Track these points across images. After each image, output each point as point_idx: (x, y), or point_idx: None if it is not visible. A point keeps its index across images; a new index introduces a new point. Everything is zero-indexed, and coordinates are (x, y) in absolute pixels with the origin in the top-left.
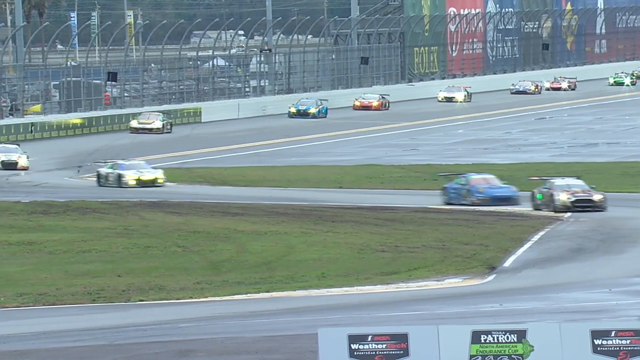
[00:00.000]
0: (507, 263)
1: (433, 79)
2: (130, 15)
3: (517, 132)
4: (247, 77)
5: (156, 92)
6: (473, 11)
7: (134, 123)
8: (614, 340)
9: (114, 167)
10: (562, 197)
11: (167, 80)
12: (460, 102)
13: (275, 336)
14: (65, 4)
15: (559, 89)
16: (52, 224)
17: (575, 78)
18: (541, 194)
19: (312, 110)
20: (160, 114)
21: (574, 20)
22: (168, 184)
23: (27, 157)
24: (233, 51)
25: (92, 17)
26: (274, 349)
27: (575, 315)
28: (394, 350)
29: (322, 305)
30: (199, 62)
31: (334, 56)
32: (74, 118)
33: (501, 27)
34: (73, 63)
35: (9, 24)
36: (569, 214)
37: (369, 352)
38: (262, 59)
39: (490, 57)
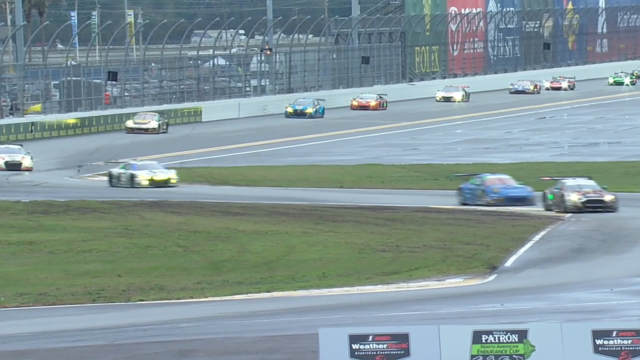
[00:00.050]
0: (508, 263)
1: (434, 78)
2: (130, 15)
3: (517, 131)
4: (248, 76)
5: (156, 92)
6: (474, 10)
7: (129, 123)
8: (615, 340)
9: (126, 167)
10: (573, 198)
11: (167, 80)
12: (458, 101)
13: (276, 336)
14: (65, 3)
15: (559, 88)
16: (52, 223)
17: (574, 78)
18: (552, 194)
19: (309, 110)
20: (156, 114)
21: (575, 20)
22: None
23: (31, 158)
24: (233, 50)
25: (93, 17)
26: (275, 349)
27: (577, 315)
28: (395, 350)
29: (322, 305)
30: (199, 62)
31: (334, 56)
32: (74, 118)
33: (502, 27)
34: (73, 62)
35: (9, 23)
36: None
37: (369, 352)
38: (263, 58)
39: (492, 57)
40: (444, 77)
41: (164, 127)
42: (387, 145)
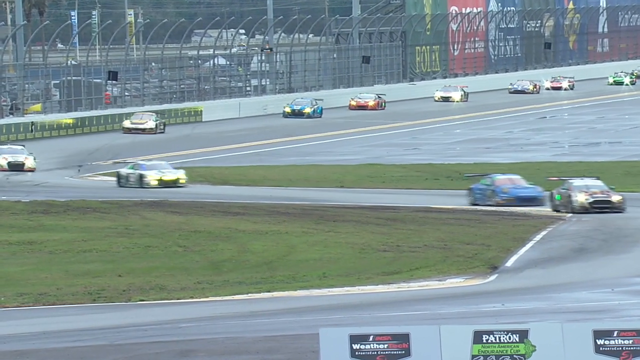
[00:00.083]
0: (509, 263)
1: (435, 78)
2: (130, 14)
3: (518, 131)
4: (248, 76)
5: (157, 92)
6: (475, 10)
7: (126, 123)
8: (616, 340)
9: (135, 167)
10: (580, 198)
11: (167, 80)
12: (457, 101)
13: (277, 336)
14: (65, 2)
15: (559, 88)
16: (52, 223)
17: (573, 77)
18: (560, 194)
19: (307, 110)
20: (153, 114)
21: (577, 19)
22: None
23: (34, 159)
24: (234, 50)
25: (93, 16)
26: (275, 349)
27: (578, 315)
28: (396, 351)
29: (323, 305)
30: (199, 61)
31: (335, 55)
32: (74, 117)
33: (503, 26)
34: (73, 62)
35: (9, 22)
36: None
37: (370, 352)
38: (263, 58)
39: (492, 56)
40: (445, 77)
41: (161, 127)
42: (387, 145)
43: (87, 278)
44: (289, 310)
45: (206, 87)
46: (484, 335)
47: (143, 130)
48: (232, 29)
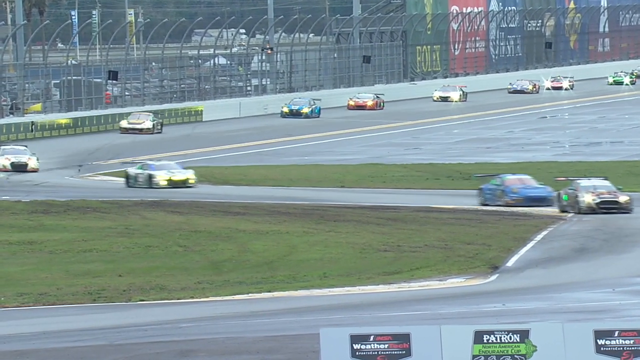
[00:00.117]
0: (510, 263)
1: (435, 77)
2: (131, 14)
3: (519, 131)
4: (249, 75)
5: (157, 91)
6: (476, 9)
7: (123, 123)
8: (617, 340)
9: (144, 167)
10: (587, 199)
11: (168, 79)
12: (456, 101)
13: (277, 336)
14: (65, 2)
15: (560, 88)
16: (52, 223)
17: (573, 77)
18: (567, 195)
19: (305, 110)
20: (151, 114)
21: (577, 19)
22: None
23: (37, 159)
24: (234, 50)
25: (93, 16)
26: (276, 349)
27: (579, 315)
28: (396, 351)
29: (324, 305)
30: (200, 61)
31: (335, 55)
32: (74, 117)
33: (504, 26)
34: (74, 62)
35: (9, 22)
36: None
37: (371, 352)
38: (264, 57)
39: (493, 56)
40: (446, 77)
41: (159, 127)
42: (388, 144)
43: (87, 278)
44: (290, 310)
45: (206, 86)
46: (484, 335)
47: (140, 131)
48: (233, 29)
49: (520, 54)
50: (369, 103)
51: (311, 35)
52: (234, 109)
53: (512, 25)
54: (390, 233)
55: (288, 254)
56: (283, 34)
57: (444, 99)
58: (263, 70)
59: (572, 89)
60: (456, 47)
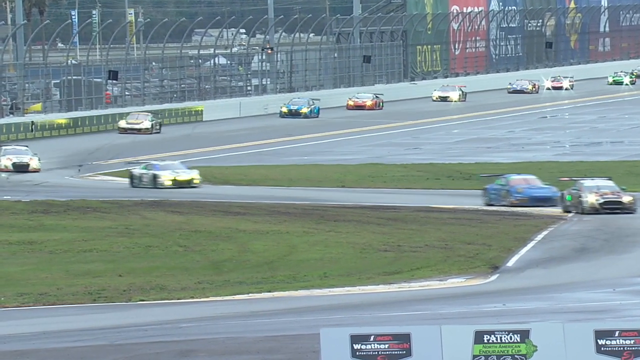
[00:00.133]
0: (510, 263)
1: (436, 77)
2: (131, 14)
3: (520, 131)
4: (249, 75)
5: (157, 91)
6: (476, 9)
7: (122, 123)
8: (617, 341)
9: (148, 167)
10: (591, 199)
11: (168, 79)
12: (455, 101)
13: (277, 336)
14: (65, 2)
15: (560, 88)
16: (52, 223)
17: (572, 77)
18: (570, 195)
19: (304, 110)
20: (149, 114)
21: (578, 19)
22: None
23: (39, 159)
24: (235, 50)
25: (93, 16)
26: (276, 349)
27: (579, 315)
28: (397, 351)
29: (324, 305)
30: (200, 61)
31: (336, 55)
32: (74, 117)
33: (504, 26)
34: (74, 61)
35: (9, 22)
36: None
37: (371, 352)
38: (264, 57)
39: (494, 56)
40: (446, 77)
41: (157, 127)
42: (388, 144)
43: (87, 278)
44: (290, 310)
45: (207, 86)
46: (485, 336)
47: (139, 131)
48: (233, 29)
49: (520, 54)
50: (368, 103)
51: (311, 35)
52: (234, 109)
53: (512, 25)
54: (391, 233)
55: (288, 254)
56: (283, 33)
57: (443, 99)
58: (263, 70)
59: (572, 88)
60: (456, 46)
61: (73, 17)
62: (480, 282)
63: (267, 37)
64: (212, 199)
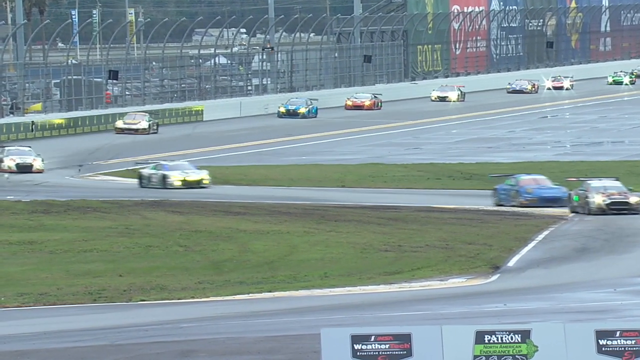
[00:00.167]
0: (511, 263)
1: (436, 77)
2: (131, 13)
3: (520, 130)
4: (249, 75)
5: (157, 91)
6: (477, 9)
7: (119, 123)
8: (618, 341)
9: (157, 167)
10: (597, 200)
11: (168, 79)
12: (454, 101)
13: (278, 336)
14: (66, 1)
15: (560, 88)
16: (53, 223)
17: (572, 77)
18: (577, 195)
19: (302, 110)
20: (147, 114)
21: (579, 18)
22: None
23: (42, 160)
24: (235, 49)
25: (93, 15)
26: (276, 349)
27: (580, 315)
28: (397, 351)
29: (324, 305)
30: (200, 61)
31: (336, 54)
32: (74, 117)
33: (505, 25)
34: (74, 61)
35: (9, 21)
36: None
37: (372, 353)
38: (264, 57)
39: (494, 55)
40: (447, 76)
41: (154, 127)
42: (388, 144)
43: (87, 278)
44: (291, 310)
45: (207, 86)
46: (486, 336)
47: (136, 131)
48: (233, 28)
49: (521, 54)
50: (367, 103)
51: (312, 34)
52: (235, 109)
53: (513, 25)
54: (391, 233)
55: (289, 254)
56: (284, 33)
57: (442, 99)
58: (264, 69)
59: (572, 88)
60: (457, 46)
61: (73, 16)
62: (481, 282)
63: (268, 36)
64: (213, 199)
